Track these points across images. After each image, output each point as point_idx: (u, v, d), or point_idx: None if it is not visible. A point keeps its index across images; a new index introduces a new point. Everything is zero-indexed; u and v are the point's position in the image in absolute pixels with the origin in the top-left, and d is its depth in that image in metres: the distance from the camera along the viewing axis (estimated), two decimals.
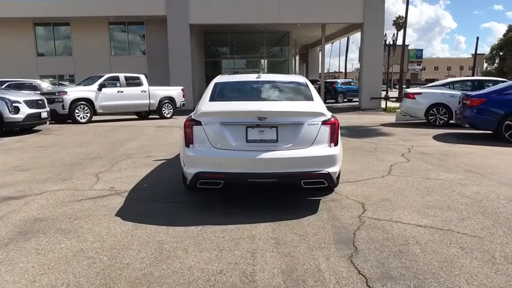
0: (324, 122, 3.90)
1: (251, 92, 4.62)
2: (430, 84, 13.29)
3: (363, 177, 5.39)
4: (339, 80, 28.94)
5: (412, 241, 3.25)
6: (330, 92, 24.41)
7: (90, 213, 3.95)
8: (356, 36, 36.96)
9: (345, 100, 25.31)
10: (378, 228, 3.52)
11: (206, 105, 4.17)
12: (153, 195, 4.61)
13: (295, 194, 4.56)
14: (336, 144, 3.94)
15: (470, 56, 73.47)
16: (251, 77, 4.97)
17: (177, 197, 4.56)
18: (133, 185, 5.05)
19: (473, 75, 43.53)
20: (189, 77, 20.79)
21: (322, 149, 3.86)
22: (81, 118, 13.19)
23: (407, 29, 39.43)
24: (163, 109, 15.59)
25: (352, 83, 27.48)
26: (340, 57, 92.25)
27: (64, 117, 12.89)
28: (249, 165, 3.78)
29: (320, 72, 24.57)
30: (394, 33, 39.49)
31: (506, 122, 7.96)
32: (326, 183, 3.91)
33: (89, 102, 13.46)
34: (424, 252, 3.03)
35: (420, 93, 11.30)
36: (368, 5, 20.39)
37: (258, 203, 4.32)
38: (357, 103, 22.81)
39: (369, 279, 2.64)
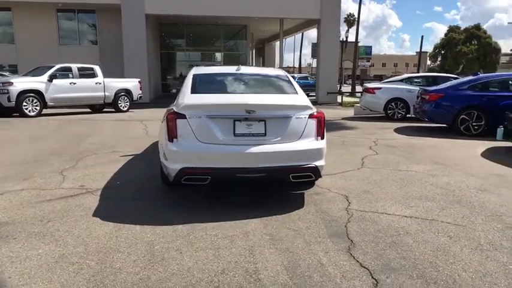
0: (311, 116, 3.88)
1: (234, 84, 4.48)
2: (388, 80, 13.84)
3: (339, 170, 5.46)
4: (295, 75, 29.28)
5: (403, 232, 3.33)
6: None
7: (63, 215, 3.64)
8: (308, 33, 37.72)
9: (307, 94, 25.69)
10: (367, 220, 3.57)
11: (189, 97, 3.97)
12: (129, 193, 4.35)
13: (278, 188, 4.52)
14: (322, 138, 3.94)
15: (415, 54, 77.78)
16: (230, 69, 4.83)
17: (155, 194, 4.34)
18: (105, 182, 4.74)
19: (418, 72, 46.13)
20: (144, 68, 20.04)
21: (309, 143, 3.84)
22: (29, 111, 12.20)
23: (356, 26, 40.80)
24: (119, 102, 14.87)
25: (308, 78, 27.95)
26: (294, 52, 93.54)
27: (10, 110, 11.87)
28: (237, 159, 3.67)
29: (279, 66, 24.70)
30: (345, 30, 40.71)
31: (462, 116, 8.47)
32: (313, 177, 3.90)
33: (38, 94, 12.48)
34: (416, 243, 3.11)
35: (380, 88, 11.74)
36: (325, 1, 20.79)
37: (242, 198, 4.22)
38: (314, 97, 23.27)
39: (372, 271, 2.65)
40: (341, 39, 36.84)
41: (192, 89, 4.18)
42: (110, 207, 3.89)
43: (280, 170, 3.73)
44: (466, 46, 44.84)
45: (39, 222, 3.46)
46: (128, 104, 15.20)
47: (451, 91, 8.72)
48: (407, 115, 11.37)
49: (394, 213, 3.76)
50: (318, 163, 3.85)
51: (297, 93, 4.30)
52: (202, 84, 4.34)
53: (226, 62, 29.93)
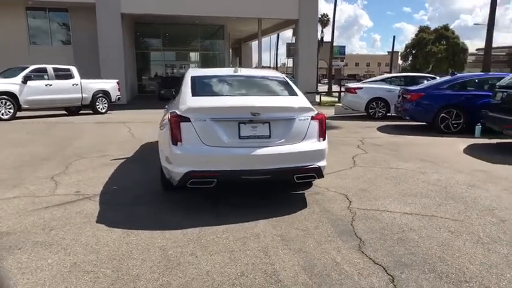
0: (313, 117, 3.95)
1: (234, 87, 4.49)
2: (368, 80, 14.18)
3: (333, 169, 5.56)
4: None
5: (407, 228, 3.44)
6: None
7: (65, 222, 3.54)
8: (283, 32, 37.83)
9: None
10: (371, 218, 3.67)
11: (191, 100, 3.95)
12: (128, 198, 4.28)
13: (277, 188, 4.56)
14: (324, 139, 4.01)
15: (387, 53, 79.77)
16: (228, 71, 4.84)
17: (156, 198, 4.29)
18: (101, 188, 4.64)
19: (391, 71, 47.32)
20: (121, 69, 19.65)
21: (312, 144, 3.91)
22: (2, 114, 11.73)
23: (329, 26, 41.49)
24: (97, 104, 14.51)
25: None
26: (270, 51, 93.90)
27: None
28: (243, 162, 3.68)
29: (255, 66, 24.76)
30: (320, 31, 41.28)
31: (442, 115, 8.81)
32: (316, 177, 3.97)
33: (11, 96, 12.01)
34: (421, 238, 3.23)
35: (361, 88, 12.02)
36: (303, 2, 21.02)
37: (243, 199, 4.24)
38: None
39: (386, 268, 2.74)
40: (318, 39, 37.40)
41: (192, 91, 4.16)
42: (112, 213, 3.82)
43: (285, 171, 3.78)
44: (436, 46, 46.51)
45: (42, 231, 3.36)
46: (106, 105, 14.86)
47: (431, 91, 9.04)
48: (388, 114, 11.70)
49: (394, 211, 3.88)
50: (320, 163, 3.93)
51: (297, 94, 4.36)
52: (202, 87, 4.33)
53: (204, 62, 29.76)
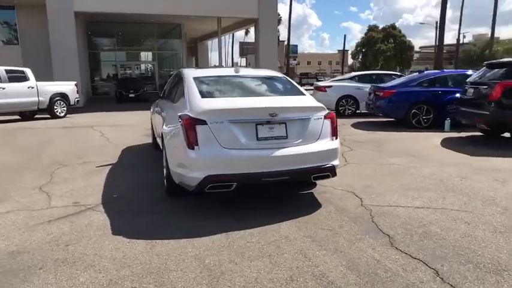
0: (326, 116, 3.98)
1: (242, 87, 4.39)
2: (337, 78, 14.55)
3: None
4: None
5: (426, 222, 3.57)
6: None
7: (79, 236, 3.29)
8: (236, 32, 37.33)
9: None
10: (388, 214, 3.77)
11: (204, 102, 3.82)
12: (135, 207, 4.06)
13: (284, 190, 4.54)
14: (336, 137, 4.06)
15: (337, 52, 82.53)
16: (228, 71, 4.73)
17: (164, 205, 4.11)
18: (100, 197, 4.36)
19: (342, 70, 49.04)
20: (76, 70, 18.58)
21: (327, 143, 3.93)
22: None
23: (281, 26, 42.16)
24: (55, 107, 13.61)
25: None
26: (226, 51, 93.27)
27: None
28: (263, 164, 3.63)
29: (217, 66, 24.54)
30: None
31: (413, 111, 9.25)
32: (331, 176, 4.01)
33: None
34: (443, 231, 3.37)
35: (331, 87, 12.32)
36: (262, 1, 21.12)
37: (255, 202, 4.18)
38: None
39: (426, 262, 2.82)
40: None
41: (200, 93, 4.02)
42: (124, 223, 3.61)
43: (304, 171, 3.77)
44: (385, 44, 48.83)
45: (56, 247, 3.09)
46: (64, 109, 13.98)
47: (402, 88, 9.47)
48: (357, 111, 12.09)
49: (406, 206, 4.02)
50: (335, 162, 3.97)
51: (304, 94, 4.36)
52: (209, 88, 4.20)
53: (160, 62, 29.00)
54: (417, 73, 10.22)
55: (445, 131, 8.83)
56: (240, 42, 55.77)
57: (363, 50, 51.42)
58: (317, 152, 3.82)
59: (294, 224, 3.56)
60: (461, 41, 47.02)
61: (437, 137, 8.06)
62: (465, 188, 4.59)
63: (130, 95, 20.54)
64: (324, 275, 2.65)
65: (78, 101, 14.76)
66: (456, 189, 4.53)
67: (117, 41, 26.94)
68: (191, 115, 3.63)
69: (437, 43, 22.25)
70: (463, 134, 8.43)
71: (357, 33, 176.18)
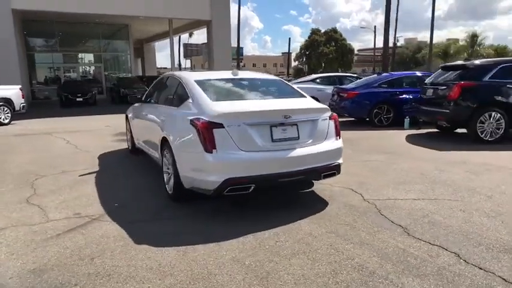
0: (330, 117, 4.17)
1: (248, 90, 4.45)
2: (298, 80, 14.95)
3: None
4: None
5: (427, 212, 3.89)
6: None
7: (100, 249, 3.14)
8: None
9: None
10: (392, 207, 4.04)
11: (217, 105, 3.82)
12: (142, 214, 3.95)
13: (286, 190, 4.66)
14: (339, 137, 4.26)
15: (281, 55, 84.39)
16: (227, 74, 4.74)
17: (173, 211, 4.03)
18: (99, 206, 4.17)
19: (287, 72, 50.34)
20: (16, 73, 17.28)
21: (333, 143, 4.13)
22: None
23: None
24: None
25: None
26: (173, 53, 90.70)
27: None
28: (280, 165, 3.72)
29: (170, 67, 24.03)
30: None
31: (375, 110, 9.85)
32: (336, 173, 4.20)
33: None
34: (446, 219, 3.69)
35: None
36: (215, 2, 21.09)
37: (262, 204, 4.24)
38: None
39: (445, 247, 3.09)
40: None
41: (209, 96, 4.01)
42: (140, 232, 3.50)
43: (315, 170, 3.93)
44: (327, 47, 50.96)
45: (81, 261, 2.94)
46: (9, 115, 12.91)
47: (364, 89, 10.04)
48: None
49: (404, 198, 4.33)
50: (340, 161, 4.18)
51: (305, 96, 4.52)
52: (217, 91, 4.21)
53: (107, 64, 27.75)
54: (376, 75, 10.90)
55: (405, 129, 9.51)
56: (184, 44, 54.87)
57: (307, 52, 53.21)
58: (326, 152, 4.00)
59: (311, 221, 3.69)
60: (398, 44, 50.62)
61: (401, 135, 8.67)
62: (446, 179, 5.04)
63: (78, 99, 19.44)
64: (363, 266, 2.81)
65: (23, 106, 13.71)
66: (439, 181, 4.96)
67: (58, 41, 25.29)
68: (207, 119, 3.62)
69: (382, 46, 23.76)
70: (422, 131, 9.14)
71: (297, 36, 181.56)
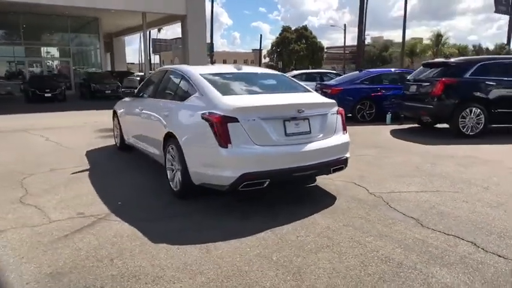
0: (337, 112, 4.19)
1: (255, 84, 4.39)
2: None
3: None
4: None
5: (434, 204, 4.00)
6: None
7: (118, 249, 3.01)
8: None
9: None
10: (399, 200, 4.12)
11: (230, 99, 3.75)
12: (150, 212, 3.83)
13: (289, 185, 4.66)
14: (346, 131, 4.30)
15: (251, 51, 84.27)
16: (230, 68, 4.66)
17: (181, 208, 3.93)
18: (102, 205, 4.00)
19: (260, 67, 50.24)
20: None
21: (341, 137, 4.16)
22: None
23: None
24: None
25: None
26: (144, 47, 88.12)
27: None
28: (293, 159, 3.70)
29: (144, 62, 23.42)
30: None
31: (358, 106, 10.05)
32: (344, 167, 4.24)
33: None
34: (453, 210, 3.81)
35: None
36: None
37: (269, 200, 4.19)
38: None
39: (461, 237, 3.19)
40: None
41: (219, 90, 3.92)
42: (154, 230, 3.38)
43: (327, 164, 3.95)
44: (298, 45, 51.46)
45: (100, 262, 2.80)
46: None
47: (348, 85, 10.22)
48: None
49: (408, 191, 4.43)
50: (347, 154, 4.22)
51: (311, 91, 4.52)
52: (225, 85, 4.13)
53: (75, 58, 26.67)
54: (357, 72, 11.11)
55: (387, 124, 9.77)
56: (153, 39, 53.58)
57: (278, 50, 53.51)
58: (336, 146, 4.03)
59: (324, 215, 3.70)
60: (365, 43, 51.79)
61: (385, 130, 8.89)
62: (441, 172, 5.21)
63: (46, 95, 18.55)
64: (389, 258, 2.85)
65: None
66: (435, 174, 5.12)
67: (22, 34, 24.02)
68: (221, 113, 3.54)
69: (357, 45, 24.23)
70: (404, 126, 9.42)
71: (267, 33, 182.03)
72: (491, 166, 5.54)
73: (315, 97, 4.24)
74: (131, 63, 64.99)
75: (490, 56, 8.82)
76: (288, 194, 4.36)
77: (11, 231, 3.35)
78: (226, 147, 3.49)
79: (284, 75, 4.94)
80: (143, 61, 62.79)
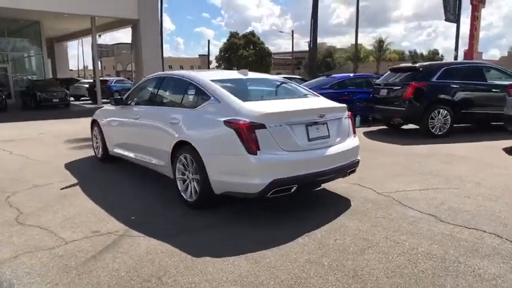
0: (348, 116, 4.31)
1: (267, 90, 4.37)
2: None
3: None
4: (111, 78, 27.06)
5: (441, 201, 4.22)
6: (104, 91, 22.46)
7: (160, 266, 2.84)
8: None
9: None
10: (408, 198, 4.31)
11: (251, 105, 3.69)
12: (172, 226, 3.66)
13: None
14: (355, 134, 4.42)
15: (198, 57, 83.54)
16: (237, 74, 4.58)
17: (200, 219, 3.78)
18: (114, 221, 3.74)
19: None
20: None
21: (353, 140, 4.28)
22: None
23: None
24: None
25: (124, 81, 26.27)
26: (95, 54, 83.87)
27: None
28: (317, 163, 3.74)
29: (93, 68, 22.23)
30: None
31: None
32: (355, 170, 4.35)
33: None
34: (461, 205, 4.06)
35: None
36: (143, 2, 20.07)
37: (281, 206, 4.19)
38: None
39: (482, 229, 3.41)
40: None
41: (238, 96, 3.85)
42: (187, 244, 3.23)
43: (345, 167, 4.03)
44: (246, 50, 51.90)
45: (148, 282, 2.62)
46: None
47: (318, 90, 10.44)
48: None
49: (411, 189, 4.65)
50: (359, 157, 4.34)
51: (319, 96, 4.59)
52: (238, 91, 4.05)
53: (14, 65, 24.59)
54: (325, 77, 11.47)
55: (356, 127, 10.13)
56: (96, 45, 51.03)
57: (227, 55, 53.58)
58: (351, 149, 4.13)
59: (348, 217, 3.77)
60: (306, 49, 53.71)
61: (357, 132, 9.23)
62: (431, 170, 5.54)
63: None
64: (431, 254, 2.98)
65: None
66: (427, 173, 5.43)
67: None
68: (247, 119, 3.48)
69: (309, 51, 24.98)
70: (373, 128, 9.88)
71: (211, 38, 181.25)
72: (471, 163, 5.98)
73: (328, 101, 4.32)
74: (70, 70, 61.32)
75: (452, 61, 9.63)
76: (300, 199, 4.38)
77: (27, 256, 3.02)
78: (255, 154, 3.43)
79: (290, 81, 4.98)
80: (83, 67, 59.80)
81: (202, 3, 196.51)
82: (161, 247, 3.15)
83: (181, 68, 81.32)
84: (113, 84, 23.74)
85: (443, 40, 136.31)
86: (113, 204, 4.26)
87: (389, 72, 9.36)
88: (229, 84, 4.20)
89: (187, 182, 4.07)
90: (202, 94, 4.09)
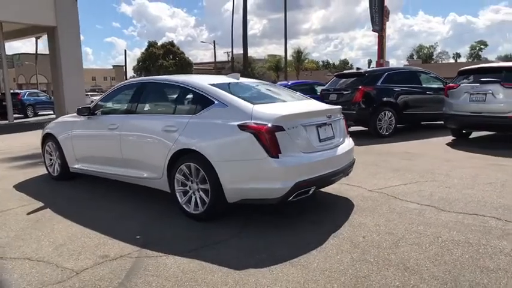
0: (342, 117, 4.42)
1: (266, 93, 4.29)
2: None
3: None
4: (23, 91, 24.13)
5: (430, 192, 4.51)
6: (16, 105, 19.98)
7: (208, 285, 2.57)
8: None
9: (37, 113, 21.57)
10: (401, 193, 4.52)
11: (264, 108, 3.58)
12: (186, 241, 3.36)
13: None
14: (349, 135, 4.55)
15: (112, 68, 79.18)
16: (227, 78, 4.41)
17: (215, 232, 3.55)
18: (121, 243, 3.32)
19: None
20: None
21: (349, 140, 4.39)
22: None
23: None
24: None
25: (39, 94, 23.66)
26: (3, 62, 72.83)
27: None
28: (331, 164, 3.76)
29: (3, 80, 19.66)
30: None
31: None
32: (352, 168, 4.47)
33: None
34: (449, 195, 4.38)
35: None
36: (60, 7, 18.44)
37: (286, 211, 4.14)
38: (54, 116, 20.18)
39: (484, 215, 3.70)
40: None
41: (246, 100, 3.70)
42: (219, 258, 2.99)
43: (348, 166, 4.12)
44: (166, 60, 50.63)
45: None
46: None
47: None
48: None
49: (396, 185, 4.90)
50: (355, 157, 4.47)
51: (310, 98, 4.64)
52: (249, 94, 3.95)
53: None
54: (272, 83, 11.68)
55: None
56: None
57: (145, 65, 51.71)
58: (351, 149, 4.25)
59: (360, 215, 3.85)
60: (226, 59, 54.60)
61: None
62: (400, 167, 5.91)
63: None
64: (455, 240, 3.17)
65: None
66: (398, 169, 5.78)
67: None
68: (266, 122, 3.36)
69: (242, 61, 25.31)
70: None
71: (122, 48, 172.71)
72: (428, 158, 6.53)
73: (324, 103, 4.39)
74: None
75: (393, 67, 10.51)
76: (293, 204, 4.32)
77: (44, 275, 2.52)
78: (277, 158, 3.33)
79: (281, 86, 4.97)
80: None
81: (112, 12, 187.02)
82: (193, 265, 2.87)
83: (93, 79, 76.30)
84: (25, 97, 21.29)
85: (349, 51, 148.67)
86: (101, 223, 3.78)
87: (334, 78, 9.88)
88: (229, 88, 4.04)
89: (189, 193, 3.79)
90: (202, 99, 3.86)
